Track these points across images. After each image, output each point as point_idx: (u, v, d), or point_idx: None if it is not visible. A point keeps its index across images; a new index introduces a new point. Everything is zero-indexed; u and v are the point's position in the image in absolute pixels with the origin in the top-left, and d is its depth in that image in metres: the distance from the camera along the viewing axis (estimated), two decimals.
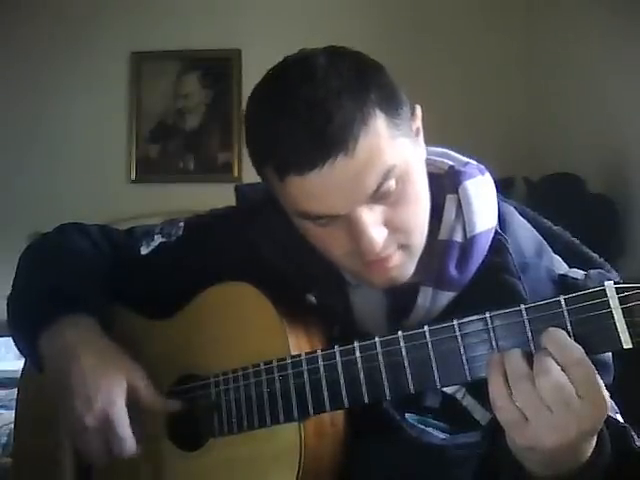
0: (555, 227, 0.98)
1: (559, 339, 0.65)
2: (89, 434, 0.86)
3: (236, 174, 3.36)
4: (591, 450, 0.68)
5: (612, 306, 0.64)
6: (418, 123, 0.86)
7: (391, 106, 0.78)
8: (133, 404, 0.87)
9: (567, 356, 0.64)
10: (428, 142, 0.90)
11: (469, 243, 0.86)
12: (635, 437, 0.73)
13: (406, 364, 0.74)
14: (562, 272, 0.87)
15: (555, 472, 0.68)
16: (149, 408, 0.88)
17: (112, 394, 0.86)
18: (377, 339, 0.76)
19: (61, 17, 3.41)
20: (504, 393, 0.65)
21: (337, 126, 0.74)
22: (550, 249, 0.91)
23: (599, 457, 0.69)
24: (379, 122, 0.77)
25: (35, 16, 3.40)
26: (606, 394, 0.65)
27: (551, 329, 0.66)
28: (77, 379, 0.86)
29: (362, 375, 0.77)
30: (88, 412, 0.85)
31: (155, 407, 0.89)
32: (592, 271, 0.85)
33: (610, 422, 0.71)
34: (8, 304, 1.00)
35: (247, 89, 0.84)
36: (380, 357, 0.76)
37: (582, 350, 0.64)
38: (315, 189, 0.76)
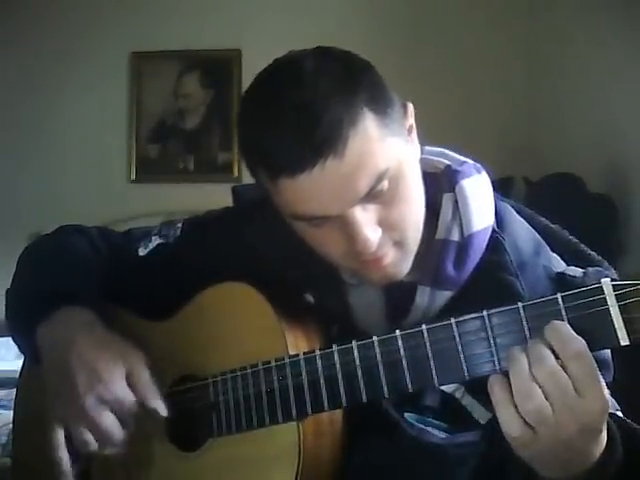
0: (553, 225, 0.97)
1: (561, 332, 0.65)
2: (87, 419, 0.84)
3: (236, 174, 3.37)
4: (600, 450, 0.68)
5: (609, 303, 0.65)
6: (411, 121, 0.85)
7: (381, 106, 0.78)
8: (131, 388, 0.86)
9: (567, 349, 0.64)
10: (427, 141, 0.89)
11: (466, 242, 0.85)
12: None
13: (404, 363, 0.75)
14: (560, 270, 0.87)
15: (565, 473, 0.68)
16: (144, 395, 0.87)
17: (112, 374, 0.85)
18: (375, 338, 0.76)
19: (61, 17, 3.42)
20: (513, 414, 0.65)
21: (325, 128, 0.74)
22: (548, 247, 0.91)
23: (610, 457, 0.69)
24: (368, 122, 0.76)
25: (35, 17, 3.40)
26: (605, 390, 0.65)
27: (555, 322, 0.66)
28: (75, 362, 0.86)
29: (360, 374, 0.77)
30: (89, 392, 0.84)
31: (149, 395, 0.87)
32: (590, 269, 0.85)
33: (621, 423, 0.71)
34: (6, 300, 1.00)
35: None
36: (378, 356, 0.76)
37: (584, 343, 0.65)
38: (307, 191, 0.76)
